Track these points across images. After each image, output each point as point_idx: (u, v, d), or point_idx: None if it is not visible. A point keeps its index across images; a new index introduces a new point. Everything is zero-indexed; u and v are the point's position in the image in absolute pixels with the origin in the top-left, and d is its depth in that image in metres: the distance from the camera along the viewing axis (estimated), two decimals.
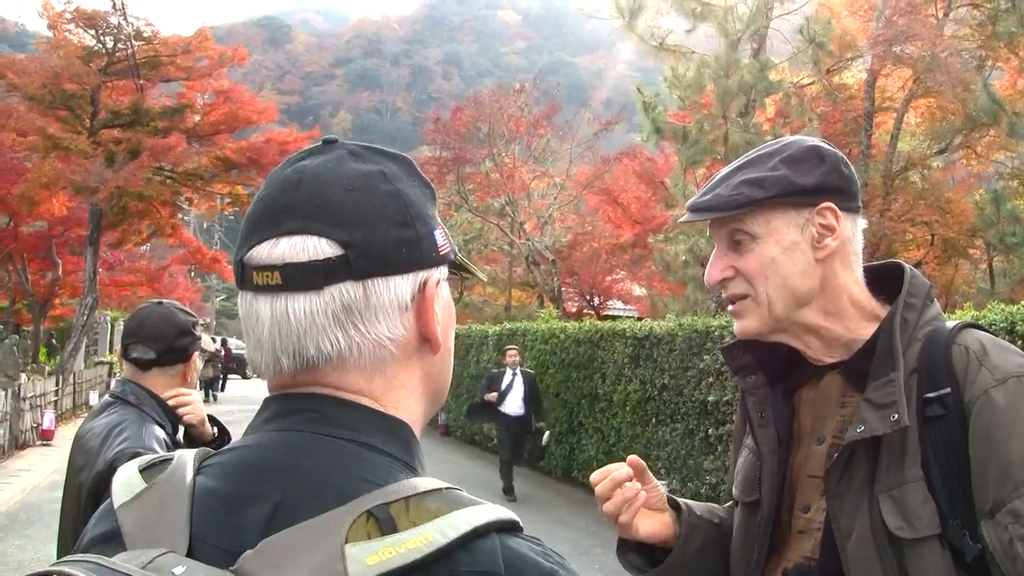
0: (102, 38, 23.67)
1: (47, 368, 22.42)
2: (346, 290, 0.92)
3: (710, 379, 10.39)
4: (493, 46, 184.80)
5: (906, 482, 1.42)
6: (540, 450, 13.34)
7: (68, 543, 2.46)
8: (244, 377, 41.26)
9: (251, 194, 23.36)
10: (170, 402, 2.75)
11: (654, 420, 11.67)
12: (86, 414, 3.28)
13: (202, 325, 3.02)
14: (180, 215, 29.46)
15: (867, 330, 1.57)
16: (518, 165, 27.90)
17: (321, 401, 0.94)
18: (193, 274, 43.99)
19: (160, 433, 2.54)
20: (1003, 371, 1.42)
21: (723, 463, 9.84)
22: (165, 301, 2.90)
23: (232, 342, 39.27)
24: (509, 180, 26.92)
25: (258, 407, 0.99)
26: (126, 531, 0.89)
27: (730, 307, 1.65)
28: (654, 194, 24.80)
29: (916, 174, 21.39)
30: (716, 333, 10.32)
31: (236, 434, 1.29)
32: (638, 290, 29.36)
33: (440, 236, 1.01)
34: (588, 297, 30.40)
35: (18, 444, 15.93)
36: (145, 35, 23.86)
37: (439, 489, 0.87)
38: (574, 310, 29.39)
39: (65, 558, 0.82)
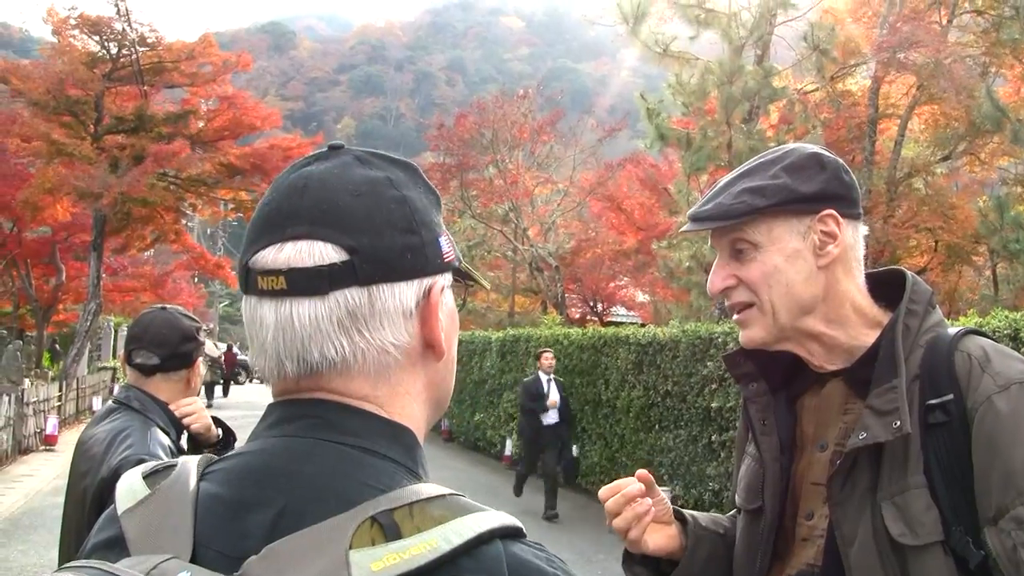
0: (106, 44, 23.73)
1: (51, 373, 22.40)
2: (351, 296, 0.91)
3: (713, 385, 10.39)
4: (497, 52, 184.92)
5: (909, 489, 1.42)
6: (571, 464, 12.77)
7: (71, 549, 2.45)
8: (237, 383, 41.11)
9: (255, 200, 23.42)
10: (176, 414, 2.75)
11: (657, 426, 11.66)
12: (89, 419, 3.27)
13: (206, 331, 3.02)
14: (184, 221, 29.45)
15: (869, 337, 1.57)
16: (522, 171, 27.95)
17: (325, 407, 0.94)
18: (197, 280, 44.01)
19: (164, 439, 2.53)
20: (1006, 377, 1.42)
21: (726, 469, 9.82)
22: (168, 306, 2.89)
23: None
24: (513, 186, 26.97)
25: (261, 412, 1.00)
26: (130, 537, 0.89)
27: (735, 316, 1.65)
28: (658, 200, 24.83)
29: (920, 180, 21.36)
30: (720, 340, 10.32)
31: (242, 440, 1.29)
32: (641, 296, 29.37)
33: (445, 243, 1.01)
34: (591, 303, 30.41)
35: (21, 449, 15.93)
36: (149, 41, 23.94)
37: (443, 495, 0.86)
38: (577, 316, 29.42)
39: (69, 564, 0.83)
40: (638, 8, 16.07)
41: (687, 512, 1.80)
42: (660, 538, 1.72)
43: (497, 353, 17.71)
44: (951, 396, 1.44)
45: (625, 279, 29.37)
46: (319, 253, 0.91)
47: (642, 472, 1.69)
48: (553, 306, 26.74)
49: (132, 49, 23.22)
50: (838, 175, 1.58)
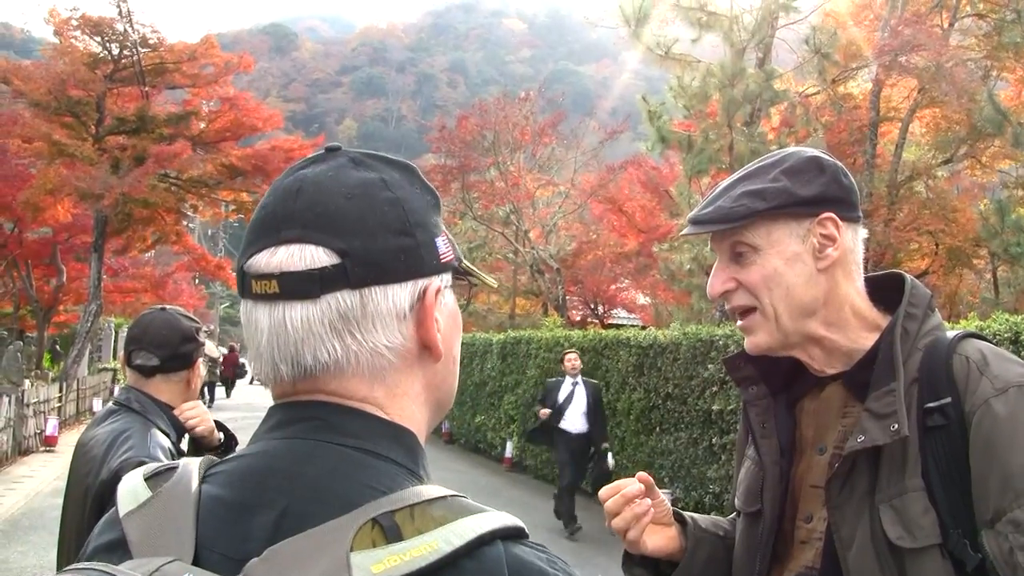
0: (108, 45, 23.70)
1: (51, 374, 22.39)
2: (343, 299, 0.92)
3: (714, 388, 10.38)
4: (498, 54, 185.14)
5: (907, 492, 1.43)
6: (606, 476, 10.92)
7: (71, 551, 2.44)
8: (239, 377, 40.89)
9: (256, 201, 23.35)
10: (187, 423, 2.75)
11: (658, 429, 11.66)
12: (89, 420, 3.27)
13: (206, 331, 3.01)
14: (185, 222, 29.42)
15: (868, 340, 1.57)
16: (523, 173, 27.94)
17: (326, 409, 0.94)
18: (197, 281, 43.96)
19: (165, 441, 2.53)
20: (1003, 380, 1.42)
21: (727, 472, 9.82)
22: (168, 307, 2.88)
23: None
24: (514, 188, 26.95)
25: (262, 414, 1.00)
26: (132, 539, 0.89)
27: (739, 322, 1.65)
28: (659, 203, 24.81)
29: (921, 184, 21.36)
30: (720, 342, 10.32)
31: (243, 441, 1.30)
32: (642, 299, 29.32)
33: (442, 244, 1.01)
34: (592, 306, 30.39)
35: (21, 450, 15.93)
36: (151, 42, 23.91)
37: (444, 497, 0.87)
38: (578, 319, 29.38)
39: (71, 567, 0.83)
40: (640, 10, 16.05)
41: (687, 514, 1.81)
42: (659, 539, 1.73)
43: (498, 355, 17.71)
44: (949, 399, 1.44)
45: (626, 281, 29.34)
46: (310, 257, 0.92)
47: (642, 474, 1.70)
48: (554, 308, 26.73)
49: (134, 50, 23.20)
50: (837, 178, 1.58)
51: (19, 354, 16.77)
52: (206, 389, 29.60)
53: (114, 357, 29.61)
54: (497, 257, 29.85)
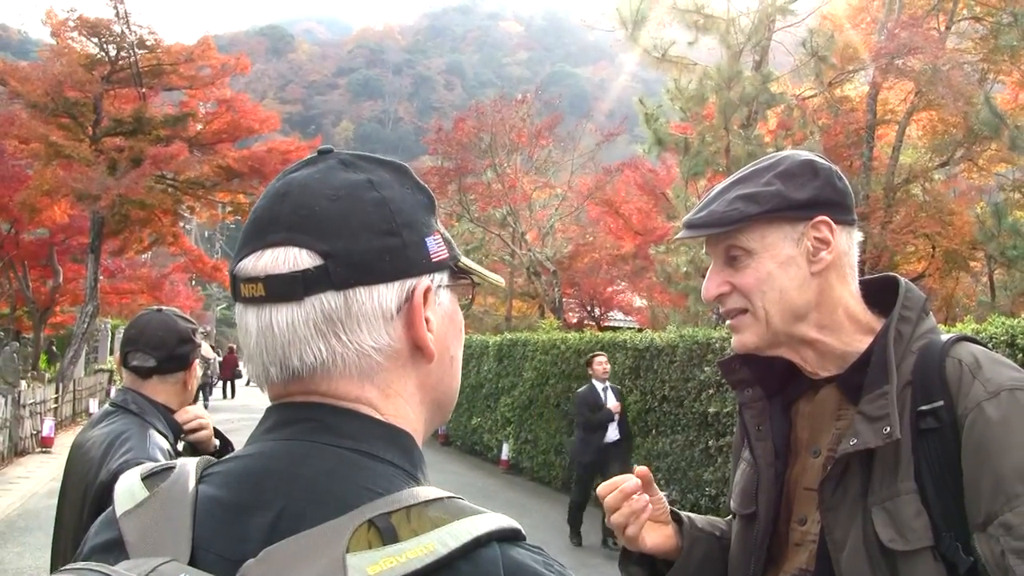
0: (105, 46, 23.67)
1: (47, 375, 22.40)
2: (327, 300, 0.92)
3: (710, 391, 10.38)
4: (495, 56, 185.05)
5: (899, 494, 1.43)
6: None
7: (66, 552, 2.44)
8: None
9: (252, 203, 23.32)
10: (187, 426, 2.75)
11: (654, 431, 11.65)
12: (86, 421, 3.26)
13: (202, 333, 3.01)
14: (181, 223, 29.43)
15: (862, 343, 1.58)
16: (520, 176, 27.90)
17: (321, 410, 0.94)
18: (194, 282, 43.96)
19: (163, 442, 2.52)
20: (996, 384, 1.43)
21: (723, 474, 9.83)
22: (165, 308, 2.87)
23: None
24: (511, 190, 26.93)
25: (258, 415, 1.00)
26: (128, 540, 0.89)
27: (729, 322, 1.66)
28: (655, 205, 24.81)
29: (918, 187, 21.40)
30: (717, 345, 10.32)
31: (238, 443, 1.30)
32: (639, 301, 29.31)
33: (433, 243, 1.00)
34: (589, 308, 30.35)
35: (17, 451, 15.91)
36: (148, 44, 23.89)
37: (441, 498, 0.87)
38: (575, 321, 29.34)
39: (67, 567, 0.83)
40: (637, 13, 16.06)
41: (684, 513, 1.82)
42: (657, 537, 1.74)
43: (494, 357, 17.69)
44: (942, 402, 1.45)
45: (623, 284, 29.30)
46: (294, 259, 0.92)
47: (641, 469, 1.71)
48: (551, 310, 26.72)
49: (131, 51, 23.18)
50: (831, 181, 1.59)
51: (15, 355, 16.74)
52: (201, 391, 29.60)
53: (110, 358, 29.57)
54: (494, 259, 29.79)
